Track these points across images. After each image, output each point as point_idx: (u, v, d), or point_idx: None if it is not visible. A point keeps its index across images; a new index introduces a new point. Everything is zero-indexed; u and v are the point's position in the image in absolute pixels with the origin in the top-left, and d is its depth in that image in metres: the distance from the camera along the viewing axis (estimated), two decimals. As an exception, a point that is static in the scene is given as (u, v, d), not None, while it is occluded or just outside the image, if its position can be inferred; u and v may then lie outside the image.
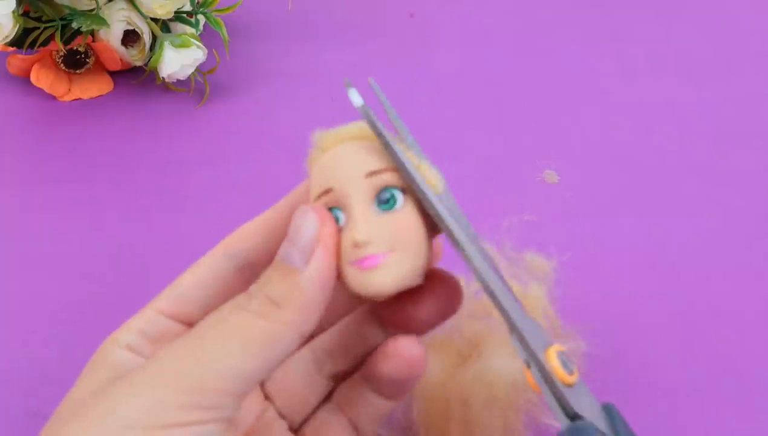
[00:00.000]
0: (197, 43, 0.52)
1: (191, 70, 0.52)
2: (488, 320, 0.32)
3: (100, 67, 0.56)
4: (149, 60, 0.54)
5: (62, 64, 0.54)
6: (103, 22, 0.51)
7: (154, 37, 0.54)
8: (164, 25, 0.56)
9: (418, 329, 0.25)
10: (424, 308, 0.25)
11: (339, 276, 0.24)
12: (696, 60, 0.61)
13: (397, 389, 0.26)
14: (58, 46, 0.52)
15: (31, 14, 0.51)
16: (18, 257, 0.41)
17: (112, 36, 0.53)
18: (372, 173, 0.24)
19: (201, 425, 0.21)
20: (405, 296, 0.24)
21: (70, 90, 0.54)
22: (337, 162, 0.24)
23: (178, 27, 0.56)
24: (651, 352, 0.36)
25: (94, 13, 0.52)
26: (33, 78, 0.53)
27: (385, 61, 0.61)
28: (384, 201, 0.24)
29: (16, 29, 0.49)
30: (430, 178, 0.25)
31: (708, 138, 0.52)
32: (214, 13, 0.55)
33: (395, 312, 0.25)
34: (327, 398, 0.28)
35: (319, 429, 0.27)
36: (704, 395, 0.34)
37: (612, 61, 0.61)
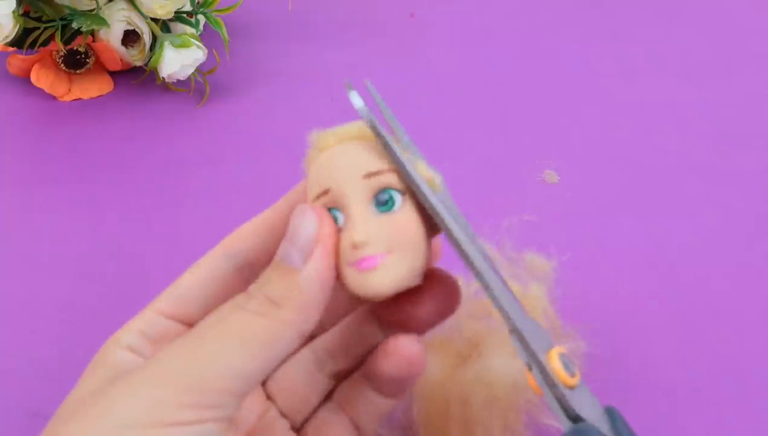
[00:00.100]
0: (197, 43, 0.52)
1: (191, 70, 0.52)
2: (488, 320, 0.32)
3: (100, 67, 0.56)
4: (149, 60, 0.54)
5: (62, 64, 0.54)
6: (103, 22, 0.51)
7: (154, 37, 0.54)
8: (164, 25, 0.56)
9: (417, 329, 0.25)
10: (423, 308, 0.25)
11: (338, 277, 0.24)
12: (696, 60, 0.61)
13: (397, 387, 0.26)
14: (58, 46, 0.52)
15: (32, 14, 0.51)
16: (18, 257, 0.41)
17: (112, 36, 0.53)
18: (370, 174, 0.24)
19: (201, 424, 0.21)
20: (404, 296, 0.24)
21: (70, 90, 0.54)
22: (335, 163, 0.24)
23: (178, 27, 0.56)
24: (651, 352, 0.36)
25: (94, 13, 0.52)
26: (33, 78, 0.53)
27: (385, 61, 0.61)
28: (382, 202, 0.24)
29: (16, 29, 0.49)
30: (430, 179, 0.25)
31: (708, 138, 0.52)
32: (214, 13, 0.55)
33: (394, 312, 0.25)
34: (328, 397, 0.28)
35: (321, 428, 0.27)
36: (704, 395, 0.34)
37: (612, 61, 0.61)
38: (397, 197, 0.24)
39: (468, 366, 0.29)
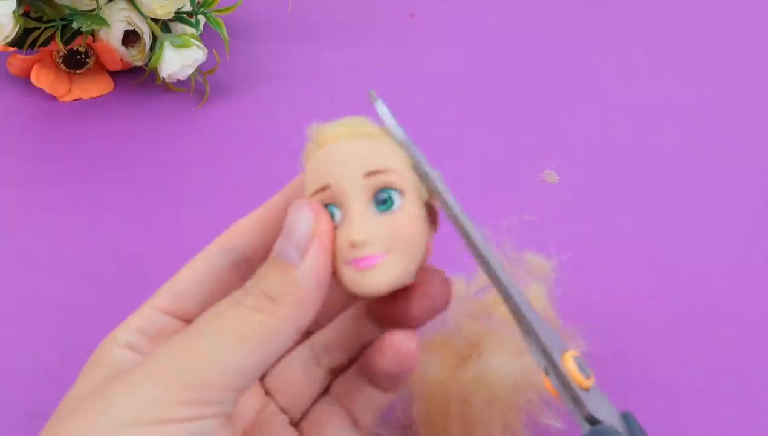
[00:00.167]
0: (197, 43, 0.52)
1: (191, 70, 0.52)
2: (488, 320, 0.32)
3: (100, 67, 0.56)
4: (149, 60, 0.54)
5: (62, 65, 0.54)
6: (103, 22, 0.51)
7: (155, 38, 0.54)
8: (164, 26, 0.56)
9: (410, 325, 0.25)
10: (415, 305, 0.25)
11: (334, 274, 0.24)
12: (696, 60, 0.61)
13: (392, 381, 0.26)
14: (58, 46, 0.52)
15: (32, 14, 0.51)
16: (18, 257, 0.41)
17: (112, 36, 0.53)
18: (371, 173, 0.24)
19: (200, 420, 0.21)
20: (397, 293, 0.24)
21: (70, 90, 0.54)
22: (336, 159, 0.24)
23: (179, 27, 0.56)
24: (651, 352, 0.36)
25: (94, 13, 0.52)
26: (33, 78, 0.53)
27: (385, 61, 0.61)
28: (382, 201, 0.24)
29: (16, 29, 0.49)
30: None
31: (708, 138, 0.52)
32: (214, 14, 0.55)
33: (387, 308, 0.25)
34: (325, 391, 0.28)
35: (318, 422, 0.27)
36: (704, 395, 0.34)
37: (612, 61, 0.61)
38: (397, 197, 0.24)
39: (468, 366, 0.29)
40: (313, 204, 0.24)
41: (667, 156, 0.50)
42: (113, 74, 0.56)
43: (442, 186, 0.24)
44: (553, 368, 0.24)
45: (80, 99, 0.54)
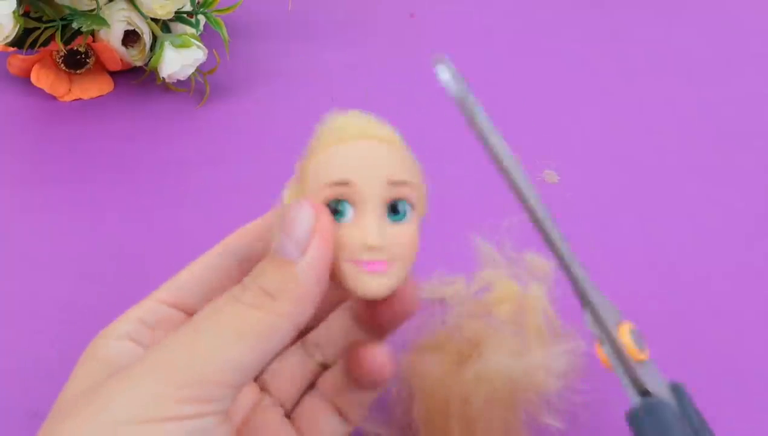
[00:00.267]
0: (197, 43, 0.52)
1: (191, 70, 0.52)
2: (488, 320, 0.32)
3: (100, 67, 0.56)
4: (149, 60, 0.54)
5: (62, 65, 0.54)
6: (103, 22, 0.51)
7: (155, 38, 0.54)
8: (164, 26, 0.56)
9: (389, 328, 0.27)
10: (392, 309, 0.26)
11: (332, 270, 0.24)
12: (696, 60, 0.61)
13: (371, 386, 0.27)
14: (58, 46, 0.52)
15: (32, 14, 0.51)
16: (18, 257, 0.41)
17: (112, 36, 0.53)
18: (396, 183, 0.24)
19: (199, 418, 0.21)
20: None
21: (70, 90, 0.54)
22: (364, 159, 0.24)
23: (179, 27, 0.56)
24: (651, 352, 0.36)
25: (94, 13, 0.52)
26: (33, 78, 0.53)
27: (385, 61, 0.61)
28: (398, 212, 0.24)
29: (16, 29, 0.49)
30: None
31: (708, 138, 0.52)
32: (214, 14, 0.55)
33: (374, 311, 0.26)
34: (313, 383, 0.29)
35: (310, 413, 0.27)
36: (704, 395, 0.34)
37: (612, 61, 0.61)
38: (409, 211, 0.25)
39: (468, 365, 0.29)
40: (313, 202, 0.24)
41: (667, 156, 0.50)
42: (113, 74, 0.56)
43: (512, 165, 0.24)
44: (608, 338, 0.24)
45: (80, 99, 0.54)
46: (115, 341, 0.24)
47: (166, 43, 0.52)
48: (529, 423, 0.30)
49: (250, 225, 0.27)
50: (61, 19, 0.51)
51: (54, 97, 0.54)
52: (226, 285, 0.25)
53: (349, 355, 0.26)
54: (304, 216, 0.23)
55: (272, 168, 0.47)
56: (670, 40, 0.65)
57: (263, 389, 0.28)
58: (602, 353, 0.25)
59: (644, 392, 0.24)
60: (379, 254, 0.24)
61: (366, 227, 0.24)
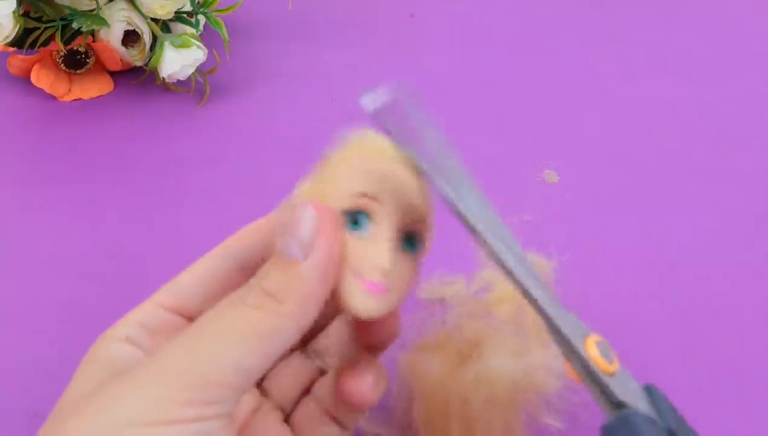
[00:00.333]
0: (197, 43, 0.52)
1: (191, 70, 0.52)
2: (488, 320, 0.32)
3: (100, 67, 0.56)
4: (149, 60, 0.54)
5: (62, 65, 0.54)
6: (103, 22, 0.51)
7: (155, 38, 0.54)
8: (164, 26, 0.56)
9: (381, 348, 0.27)
10: (382, 330, 0.27)
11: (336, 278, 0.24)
12: (696, 60, 0.61)
13: (354, 409, 0.27)
14: (58, 46, 0.52)
15: (32, 14, 0.51)
16: (18, 257, 0.41)
17: (112, 36, 0.53)
18: (413, 218, 0.25)
19: (202, 421, 0.21)
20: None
21: (70, 90, 0.54)
22: (396, 183, 0.24)
23: (179, 27, 0.56)
24: (651, 352, 0.36)
25: (94, 13, 0.52)
26: (33, 78, 0.53)
27: (385, 61, 0.61)
28: (412, 244, 0.25)
29: (16, 29, 0.49)
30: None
31: (708, 138, 0.52)
32: (214, 14, 0.55)
33: (366, 333, 0.27)
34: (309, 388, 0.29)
35: (308, 417, 0.28)
36: (704, 395, 0.34)
37: (612, 61, 0.61)
38: (419, 247, 0.25)
39: (468, 366, 0.29)
40: (317, 205, 0.23)
41: (667, 156, 0.50)
42: (113, 74, 0.56)
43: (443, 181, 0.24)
44: (574, 355, 0.24)
45: (80, 99, 0.54)
46: (116, 343, 0.24)
47: (166, 43, 0.52)
48: (529, 423, 0.30)
49: (252, 226, 0.27)
50: (61, 19, 0.51)
51: (54, 97, 0.54)
52: (227, 289, 0.25)
53: (336, 377, 0.26)
54: (309, 217, 0.23)
55: (272, 168, 0.47)
56: (670, 40, 0.65)
57: (263, 392, 0.28)
58: (572, 370, 0.24)
59: (618, 404, 0.23)
60: (384, 278, 0.24)
61: (383, 249, 0.24)
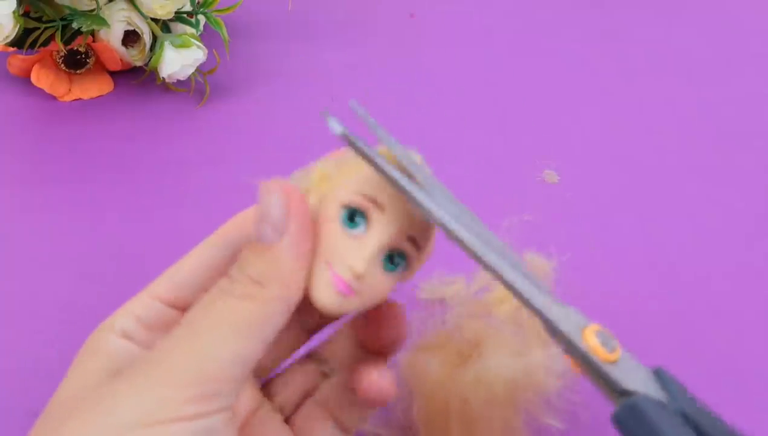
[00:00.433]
0: (197, 43, 0.52)
1: (191, 70, 0.52)
2: (488, 320, 0.32)
3: (100, 67, 0.56)
4: (149, 60, 0.54)
5: (62, 65, 0.54)
6: (103, 22, 0.51)
7: (155, 38, 0.54)
8: (164, 26, 0.56)
9: (386, 353, 0.27)
10: (383, 332, 0.27)
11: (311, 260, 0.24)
12: (696, 60, 0.61)
13: (372, 406, 0.27)
14: (58, 46, 0.52)
15: (32, 14, 0.51)
16: (18, 257, 0.41)
17: (112, 36, 0.53)
18: (411, 239, 0.25)
19: (206, 417, 0.21)
20: (371, 321, 0.26)
21: (70, 90, 0.54)
22: (404, 200, 0.24)
23: (179, 27, 0.56)
24: (651, 352, 0.36)
25: (94, 13, 0.52)
26: (33, 78, 0.53)
27: (385, 61, 0.61)
28: (392, 262, 0.25)
29: (16, 29, 0.49)
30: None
31: (708, 138, 0.52)
32: (214, 14, 0.55)
33: (370, 339, 0.27)
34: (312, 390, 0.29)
35: (309, 420, 0.27)
36: (704, 395, 0.34)
37: (612, 61, 0.61)
38: (400, 270, 0.25)
39: (468, 366, 0.29)
40: (283, 184, 0.23)
41: (667, 156, 0.50)
42: (113, 74, 0.56)
43: (418, 196, 0.24)
44: (570, 346, 0.23)
45: (80, 99, 0.54)
46: (113, 337, 0.24)
47: (166, 43, 0.52)
48: (529, 423, 0.30)
49: (245, 213, 0.27)
50: (61, 19, 0.51)
51: (54, 97, 0.54)
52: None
53: (354, 374, 0.26)
54: (276, 198, 0.23)
55: (272, 168, 0.47)
56: (670, 40, 0.65)
57: (266, 395, 0.28)
58: (575, 363, 0.24)
59: (623, 392, 0.23)
60: (354, 281, 0.23)
61: (364, 254, 0.24)
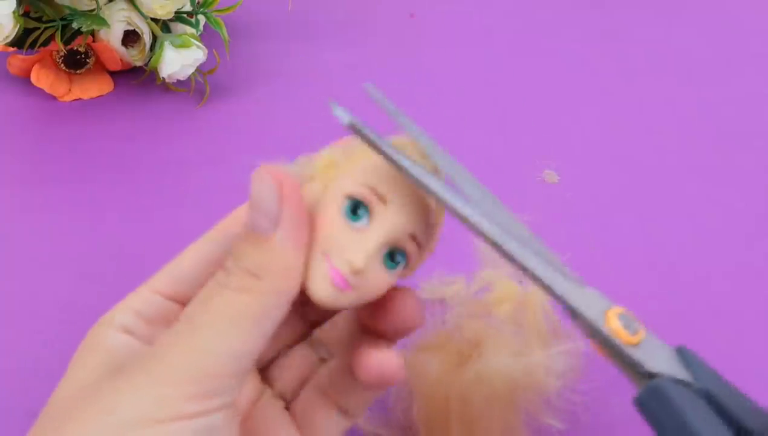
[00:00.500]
0: (197, 43, 0.52)
1: (191, 70, 0.52)
2: (488, 320, 0.32)
3: (100, 67, 0.56)
4: (149, 60, 0.54)
5: (62, 65, 0.54)
6: (103, 22, 0.51)
7: (155, 38, 0.54)
8: (164, 26, 0.56)
9: (390, 340, 0.26)
10: (389, 321, 0.25)
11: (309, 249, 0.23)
12: (696, 60, 0.61)
13: (378, 388, 0.26)
14: (58, 46, 0.52)
15: (32, 14, 0.51)
16: (18, 257, 0.41)
17: (112, 36, 0.53)
18: (412, 237, 0.24)
19: (206, 415, 0.21)
20: (374, 309, 0.25)
21: (70, 90, 0.54)
22: (417, 201, 0.24)
23: (179, 27, 0.56)
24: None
25: (94, 13, 0.52)
26: (33, 78, 0.53)
27: (385, 61, 0.61)
28: (392, 260, 0.24)
29: (16, 29, 0.49)
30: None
31: (708, 138, 0.52)
32: (214, 14, 0.55)
33: (372, 324, 0.25)
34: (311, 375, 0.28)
35: (309, 406, 0.27)
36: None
37: (612, 61, 0.61)
38: (400, 267, 0.24)
39: (468, 366, 0.29)
40: (273, 171, 0.23)
41: (667, 156, 0.50)
42: (113, 74, 0.56)
43: (434, 186, 0.23)
44: (595, 332, 0.23)
45: (80, 99, 0.54)
46: (113, 333, 0.24)
47: (166, 43, 0.52)
48: (529, 423, 0.30)
49: (245, 207, 0.26)
50: (61, 19, 0.51)
51: (54, 97, 0.54)
52: None
53: (354, 357, 0.25)
54: (268, 187, 0.22)
55: (272, 168, 0.47)
56: (670, 40, 0.65)
57: (266, 381, 0.28)
58: (598, 346, 0.24)
59: (647, 375, 0.23)
60: (352, 276, 0.23)
61: (365, 248, 0.23)
